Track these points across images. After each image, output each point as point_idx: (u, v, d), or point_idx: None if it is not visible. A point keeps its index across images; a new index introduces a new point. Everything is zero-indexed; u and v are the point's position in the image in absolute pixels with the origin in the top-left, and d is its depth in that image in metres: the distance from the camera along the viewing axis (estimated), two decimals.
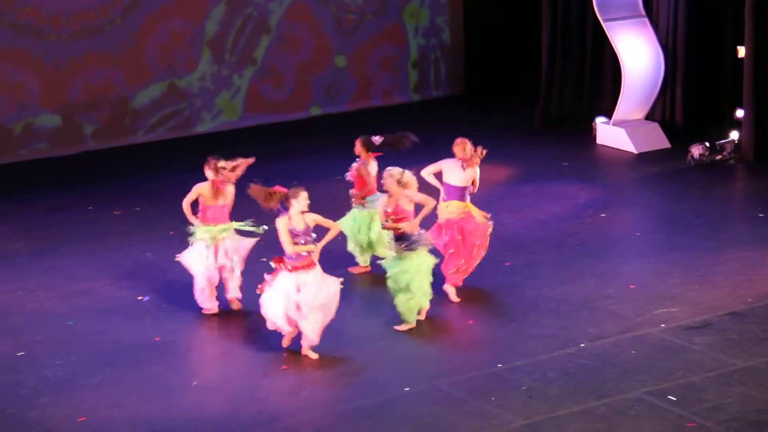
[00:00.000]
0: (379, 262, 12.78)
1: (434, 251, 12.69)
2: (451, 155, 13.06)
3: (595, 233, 14.99)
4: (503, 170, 17.37)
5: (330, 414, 10.90)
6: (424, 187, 12.79)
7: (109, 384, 11.46)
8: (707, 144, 17.42)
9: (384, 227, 12.49)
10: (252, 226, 12.96)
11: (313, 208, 11.80)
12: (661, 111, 18.77)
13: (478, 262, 13.18)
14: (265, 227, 12.82)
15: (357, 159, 13.74)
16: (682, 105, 18.55)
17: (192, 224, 12.75)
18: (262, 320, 12.43)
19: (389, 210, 12.37)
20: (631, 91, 18.46)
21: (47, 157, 18.64)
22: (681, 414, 10.54)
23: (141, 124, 19.34)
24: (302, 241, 11.65)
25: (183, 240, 13.05)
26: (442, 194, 13.15)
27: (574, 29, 19.32)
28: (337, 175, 14.02)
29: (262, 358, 11.87)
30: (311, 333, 11.73)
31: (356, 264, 13.88)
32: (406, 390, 11.14)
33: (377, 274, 13.34)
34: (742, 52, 17.58)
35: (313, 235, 11.74)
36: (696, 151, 17.39)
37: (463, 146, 13.04)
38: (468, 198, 13.12)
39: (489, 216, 13.24)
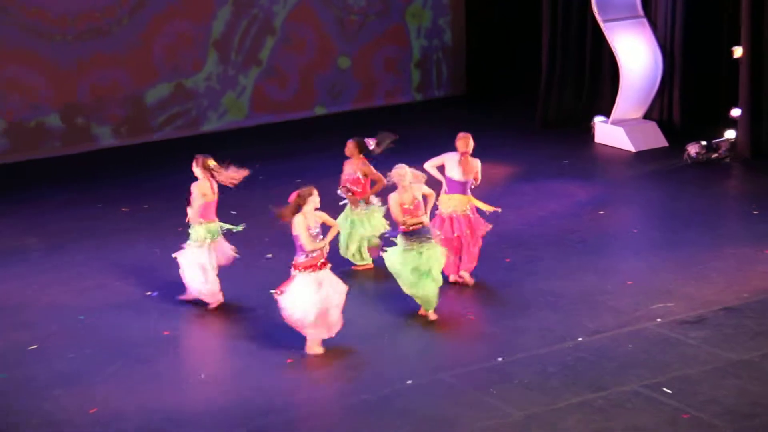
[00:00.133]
0: (383, 253, 12.78)
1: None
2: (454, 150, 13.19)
3: (594, 230, 15.03)
4: (504, 168, 17.40)
5: (334, 406, 10.96)
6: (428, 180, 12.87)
7: (119, 376, 11.52)
8: (704, 143, 17.46)
9: (407, 224, 12.39)
10: (232, 225, 13.09)
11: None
12: (658, 110, 18.80)
13: (476, 252, 13.32)
14: (245, 225, 12.91)
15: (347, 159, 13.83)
16: (679, 104, 18.59)
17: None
18: (268, 315, 12.51)
19: (407, 205, 12.39)
20: (630, 91, 18.49)
21: (57, 155, 18.67)
22: (677, 406, 10.58)
23: (148, 124, 19.38)
24: (318, 239, 11.73)
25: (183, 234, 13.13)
26: (444, 187, 13.25)
27: (574, 30, 19.33)
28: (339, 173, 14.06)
29: (268, 351, 11.91)
30: (334, 326, 11.85)
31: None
32: (409, 383, 11.19)
33: (378, 269, 13.40)
34: (737, 52, 17.62)
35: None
36: (693, 149, 17.42)
37: (466, 141, 13.13)
38: (469, 192, 13.24)
39: (499, 209, 13.37)
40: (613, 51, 18.42)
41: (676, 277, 13.37)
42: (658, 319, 12.33)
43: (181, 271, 12.93)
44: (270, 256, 14.31)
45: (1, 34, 18.22)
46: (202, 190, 12.81)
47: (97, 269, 14.12)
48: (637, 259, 14.15)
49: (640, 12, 18.61)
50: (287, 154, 18.10)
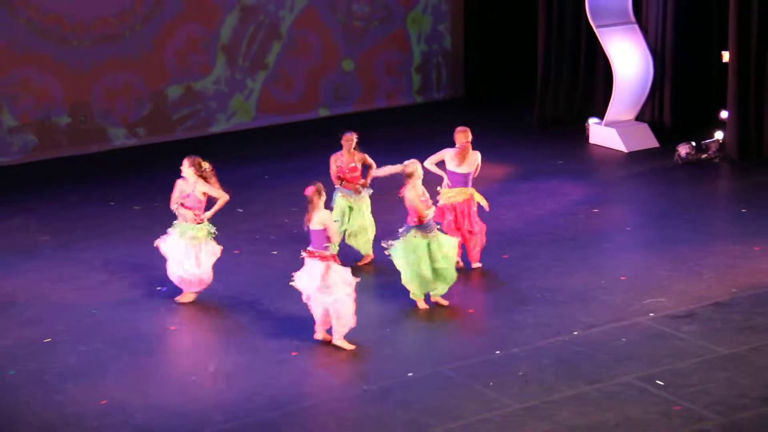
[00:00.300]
0: (389, 246, 12.71)
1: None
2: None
3: (589, 228, 14.98)
4: (501, 168, 17.35)
5: (338, 398, 10.90)
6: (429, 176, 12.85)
7: (129, 369, 11.47)
8: (693, 143, 17.42)
9: (427, 216, 12.39)
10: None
11: None
12: (650, 112, 18.75)
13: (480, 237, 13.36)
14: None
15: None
16: (669, 107, 18.54)
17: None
18: (272, 310, 12.47)
19: (424, 197, 12.39)
20: (622, 94, 18.44)
21: (70, 155, 18.63)
22: (668, 398, 10.54)
23: (159, 125, 19.33)
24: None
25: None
26: (446, 182, 13.22)
27: (568, 36, 19.31)
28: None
29: (274, 345, 11.85)
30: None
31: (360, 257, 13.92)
32: (410, 375, 11.14)
33: (379, 264, 13.33)
34: (726, 56, 17.57)
35: None
36: (683, 150, 17.37)
37: (465, 133, 13.17)
38: (470, 183, 13.20)
39: (488, 205, 13.34)
40: (607, 55, 18.35)
41: (668, 273, 13.32)
42: (651, 314, 12.27)
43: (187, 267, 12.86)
44: (275, 252, 14.25)
45: (21, 39, 18.20)
46: (209, 191, 12.73)
47: (108, 265, 14.06)
48: (631, 255, 14.11)
49: (632, 18, 18.56)
50: (292, 154, 18.05)
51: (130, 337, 12.16)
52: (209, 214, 12.81)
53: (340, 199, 13.71)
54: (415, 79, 21.31)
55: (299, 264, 11.88)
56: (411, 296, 12.59)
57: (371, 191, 13.79)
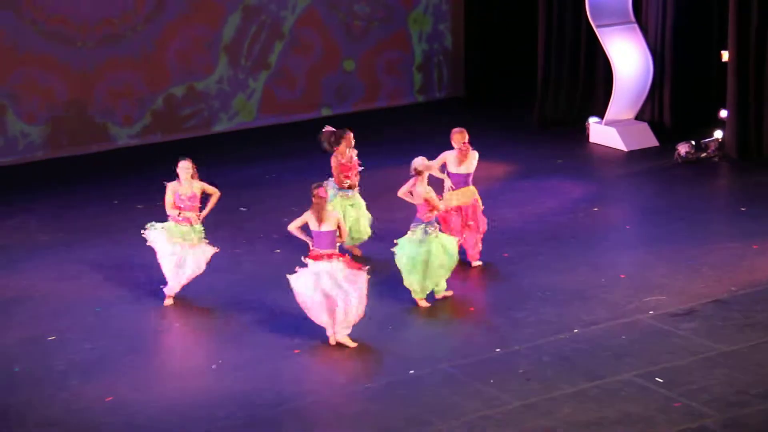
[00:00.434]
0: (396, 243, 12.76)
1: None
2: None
3: (589, 226, 14.98)
4: (502, 167, 17.35)
5: (340, 395, 10.92)
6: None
7: (133, 366, 11.50)
8: (693, 142, 17.40)
9: (441, 211, 12.54)
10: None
11: None
12: (650, 111, 18.74)
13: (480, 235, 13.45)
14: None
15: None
16: (669, 106, 18.52)
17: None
18: (275, 308, 12.48)
19: (431, 194, 12.49)
20: (622, 93, 18.43)
21: (74, 154, 18.62)
22: (668, 395, 10.56)
23: (162, 124, 19.34)
24: None
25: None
26: (449, 184, 13.26)
27: (569, 36, 19.28)
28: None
29: (277, 342, 11.88)
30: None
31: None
32: (411, 372, 11.17)
33: (381, 262, 13.35)
34: (725, 56, 17.56)
35: None
36: (682, 149, 17.37)
37: (462, 134, 13.25)
38: (471, 182, 13.35)
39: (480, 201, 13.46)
40: (607, 55, 18.35)
41: (667, 271, 13.33)
42: (651, 312, 12.29)
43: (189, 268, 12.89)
44: (278, 251, 14.26)
45: (26, 40, 18.19)
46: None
47: (112, 263, 14.08)
48: (630, 253, 14.11)
49: (632, 18, 18.54)
50: (295, 154, 18.05)
51: (134, 335, 12.18)
52: (206, 212, 12.83)
53: (338, 199, 13.74)
54: (417, 79, 21.31)
55: (301, 263, 11.88)
56: (413, 295, 12.61)
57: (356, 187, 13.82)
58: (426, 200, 12.38)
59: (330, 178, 13.75)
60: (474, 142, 13.34)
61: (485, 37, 21.35)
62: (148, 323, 12.47)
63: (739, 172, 17.01)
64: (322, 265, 11.61)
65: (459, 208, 13.34)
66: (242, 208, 15.64)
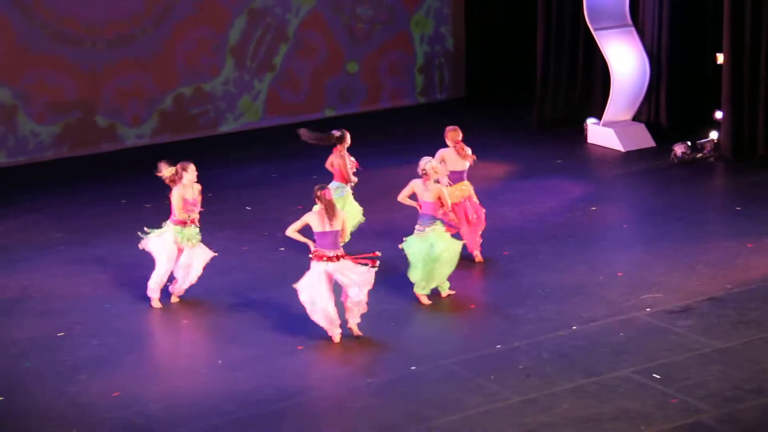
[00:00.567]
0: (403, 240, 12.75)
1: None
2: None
3: (587, 225, 14.95)
4: (502, 167, 17.33)
5: (342, 391, 10.89)
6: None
7: (141, 362, 11.49)
8: (689, 143, 17.39)
9: (449, 205, 12.56)
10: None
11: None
12: (646, 112, 18.71)
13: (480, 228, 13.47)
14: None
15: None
16: (665, 107, 18.50)
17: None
18: (279, 305, 12.46)
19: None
20: (619, 94, 18.41)
21: (84, 154, 18.62)
22: (665, 391, 10.53)
23: (170, 125, 19.33)
24: None
25: (203, 230, 13.02)
26: (447, 181, 13.24)
27: (567, 38, 19.27)
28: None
29: (280, 339, 11.86)
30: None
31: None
32: (413, 368, 11.14)
33: (383, 259, 13.32)
34: (720, 58, 17.54)
35: None
36: (679, 149, 17.35)
37: (456, 132, 13.33)
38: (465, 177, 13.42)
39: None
40: (605, 57, 18.33)
41: (664, 269, 13.30)
42: (648, 309, 12.26)
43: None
44: (282, 249, 14.24)
45: (37, 41, 18.19)
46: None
47: (121, 260, 14.06)
48: (628, 252, 14.08)
49: (629, 21, 18.52)
50: (299, 154, 18.01)
51: (142, 331, 12.18)
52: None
53: (343, 198, 13.73)
54: (418, 80, 21.29)
55: (305, 261, 11.85)
56: (414, 289, 12.58)
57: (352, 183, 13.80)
58: (439, 197, 12.38)
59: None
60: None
61: (485, 40, 21.34)
62: (155, 320, 12.45)
63: (734, 172, 16.99)
64: (330, 266, 11.58)
65: (459, 204, 13.31)
66: (247, 208, 15.61)
